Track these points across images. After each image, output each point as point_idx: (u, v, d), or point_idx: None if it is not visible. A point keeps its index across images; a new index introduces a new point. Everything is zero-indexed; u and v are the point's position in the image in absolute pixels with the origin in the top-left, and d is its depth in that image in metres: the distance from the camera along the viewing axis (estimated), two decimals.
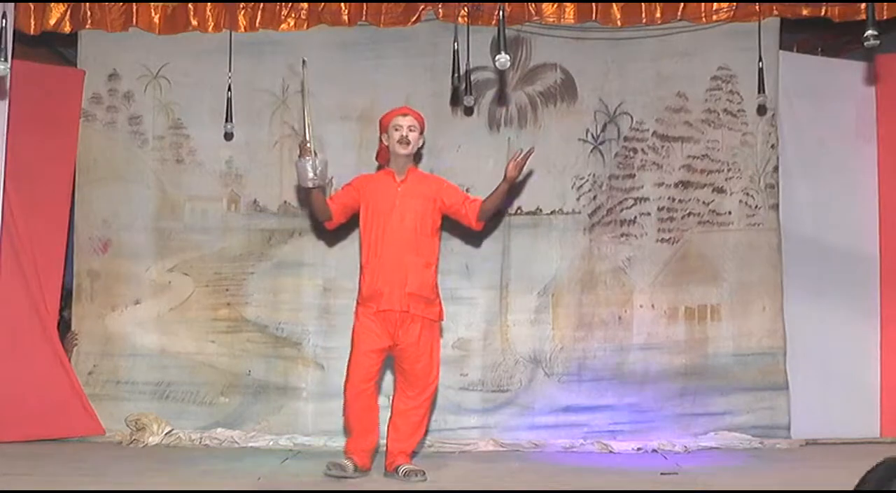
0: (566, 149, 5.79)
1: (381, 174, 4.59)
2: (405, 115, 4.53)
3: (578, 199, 5.78)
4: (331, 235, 5.75)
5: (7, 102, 5.12)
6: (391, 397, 4.59)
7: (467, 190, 5.63)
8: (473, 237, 5.74)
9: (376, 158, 4.72)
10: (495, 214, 4.86)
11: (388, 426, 4.51)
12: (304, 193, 4.80)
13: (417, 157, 4.83)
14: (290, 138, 5.84)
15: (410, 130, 4.47)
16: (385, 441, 4.52)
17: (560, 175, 5.76)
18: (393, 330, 4.37)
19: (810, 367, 5.65)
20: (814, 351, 5.69)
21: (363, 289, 4.42)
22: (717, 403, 5.63)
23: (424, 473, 4.35)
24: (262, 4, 5.79)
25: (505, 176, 4.39)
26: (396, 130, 4.46)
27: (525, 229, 5.72)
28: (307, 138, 4.28)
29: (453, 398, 5.63)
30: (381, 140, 4.58)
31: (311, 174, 4.22)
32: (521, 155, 4.35)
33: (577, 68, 5.82)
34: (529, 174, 5.30)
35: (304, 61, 4.59)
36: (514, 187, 4.65)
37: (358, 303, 4.45)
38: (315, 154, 4.26)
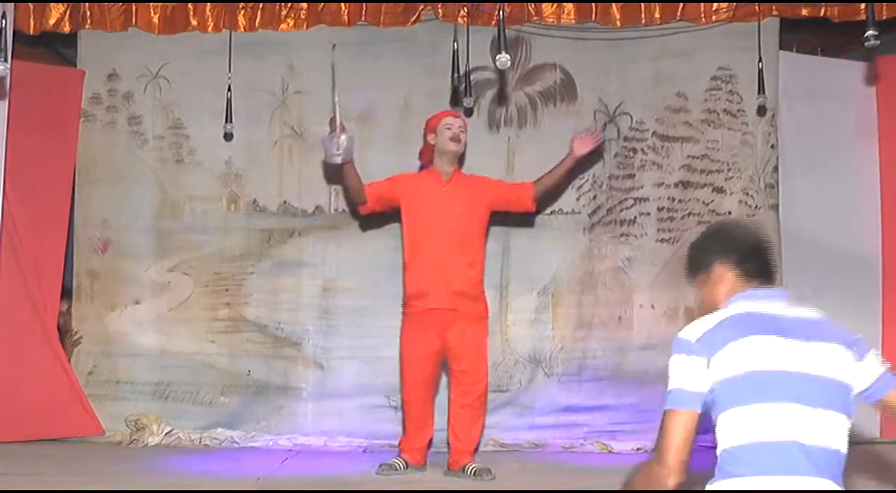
0: (566, 149, 5.73)
1: (425, 174, 4.62)
2: (456, 116, 4.63)
3: (578, 199, 5.78)
4: (330, 235, 5.77)
5: (7, 102, 5.12)
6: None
7: None
8: None
9: (419, 158, 4.74)
10: (553, 193, 4.92)
11: (448, 427, 4.54)
12: (335, 172, 4.80)
13: (461, 159, 4.82)
14: (290, 138, 5.84)
15: (461, 130, 4.56)
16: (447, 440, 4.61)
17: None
18: (441, 330, 4.38)
19: None
20: None
21: (408, 288, 4.45)
22: None
23: (491, 471, 4.38)
24: (261, 4, 5.79)
25: (570, 151, 4.46)
26: (448, 128, 4.51)
27: (525, 229, 5.72)
28: (335, 115, 4.29)
29: None
30: (426, 140, 4.59)
31: (335, 149, 4.24)
32: (591, 133, 4.45)
33: (576, 68, 5.82)
34: (599, 149, 5.03)
35: (333, 46, 4.62)
36: (577, 165, 4.68)
37: (403, 303, 4.49)
38: (343, 130, 4.26)
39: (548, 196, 4.83)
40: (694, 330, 2.28)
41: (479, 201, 4.54)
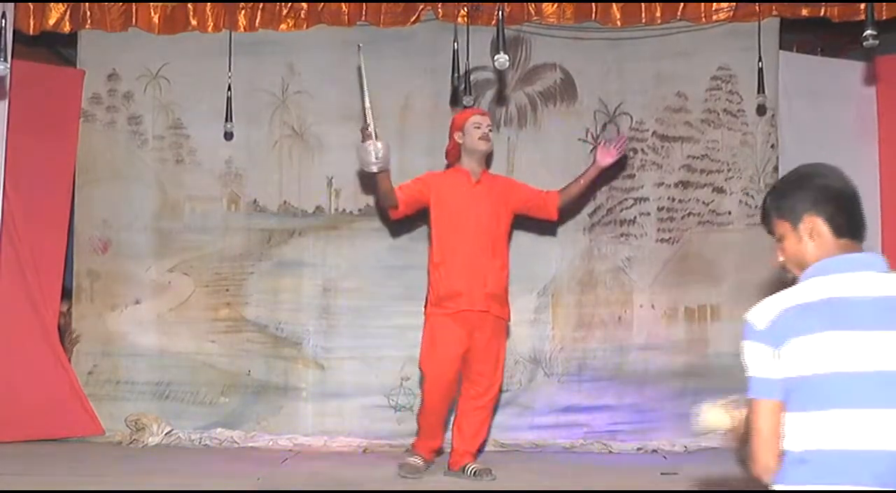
0: (566, 149, 5.78)
1: (453, 173, 4.57)
2: (484, 115, 4.60)
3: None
4: (330, 235, 5.77)
5: (7, 102, 5.13)
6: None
7: None
8: None
9: (446, 157, 4.71)
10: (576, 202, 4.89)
11: (453, 426, 4.54)
12: (368, 178, 4.78)
13: (488, 159, 4.80)
14: (290, 138, 5.84)
15: (489, 129, 4.52)
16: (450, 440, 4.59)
17: (560, 175, 5.74)
18: (470, 331, 4.34)
19: None
20: None
21: (439, 289, 4.39)
22: None
23: (491, 471, 4.38)
24: (261, 4, 5.79)
25: (594, 161, 4.46)
26: (477, 127, 4.46)
27: (525, 229, 5.71)
28: (368, 122, 4.24)
29: None
30: (452, 138, 4.54)
31: (373, 158, 4.19)
32: (615, 142, 4.42)
33: (576, 68, 5.82)
34: (624, 159, 5.07)
35: (359, 46, 4.51)
36: (602, 174, 4.67)
37: (431, 304, 4.42)
38: (376, 137, 4.22)
39: (570, 205, 4.79)
40: (762, 314, 2.09)
41: (507, 203, 4.52)
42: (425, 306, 4.52)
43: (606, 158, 4.52)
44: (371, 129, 4.22)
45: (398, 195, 4.41)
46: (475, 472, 4.37)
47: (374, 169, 4.24)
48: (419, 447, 4.58)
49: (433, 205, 4.47)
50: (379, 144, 4.19)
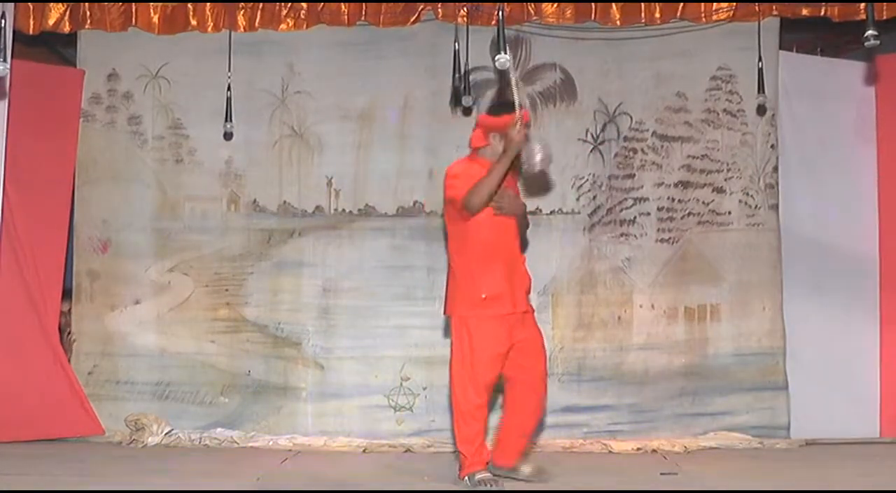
0: (566, 149, 5.77)
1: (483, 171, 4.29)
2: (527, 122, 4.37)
3: (578, 199, 5.78)
4: (330, 235, 5.77)
5: (7, 102, 5.12)
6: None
7: None
8: None
9: (470, 143, 4.46)
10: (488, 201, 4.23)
11: (512, 421, 4.32)
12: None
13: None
14: (290, 138, 5.84)
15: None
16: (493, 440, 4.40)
17: (560, 175, 5.75)
18: (511, 331, 4.21)
19: (810, 367, 5.65)
20: (814, 351, 5.69)
21: (483, 290, 4.18)
22: (717, 403, 5.63)
23: (546, 471, 4.30)
24: (261, 4, 5.79)
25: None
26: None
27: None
28: (523, 120, 4.05)
29: None
30: (486, 137, 4.29)
31: (540, 156, 4.02)
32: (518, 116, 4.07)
33: (576, 68, 5.82)
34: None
35: (506, 48, 4.10)
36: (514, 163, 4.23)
37: (471, 306, 4.20)
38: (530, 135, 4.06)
39: (480, 208, 4.28)
40: None
41: None
42: (451, 308, 4.29)
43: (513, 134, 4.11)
44: (522, 119, 4.02)
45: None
46: (532, 473, 4.29)
47: (541, 167, 4.07)
48: (476, 461, 4.19)
49: None
50: (541, 144, 4.05)
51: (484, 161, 4.21)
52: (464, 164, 4.32)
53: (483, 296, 4.18)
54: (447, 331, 5.63)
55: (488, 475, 4.17)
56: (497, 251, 4.22)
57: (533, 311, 4.39)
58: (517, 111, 4.06)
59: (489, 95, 5.79)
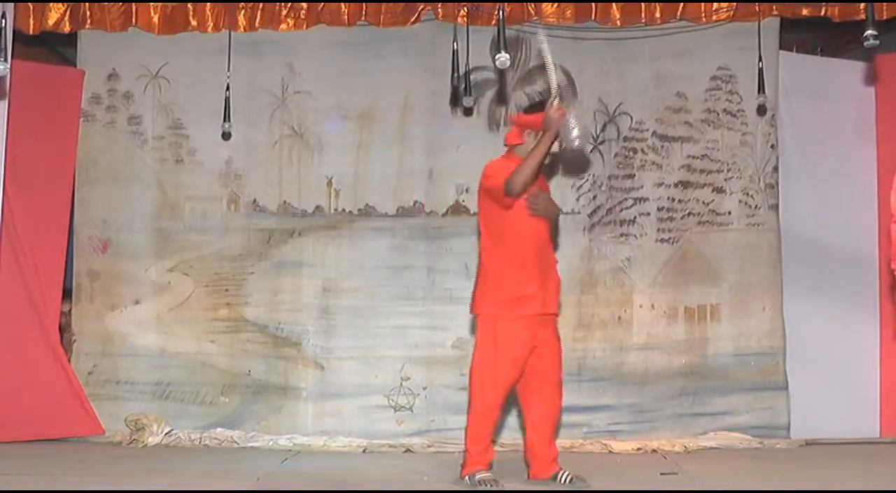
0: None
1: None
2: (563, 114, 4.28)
3: (578, 199, 5.79)
4: (330, 235, 5.77)
5: (7, 102, 5.12)
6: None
7: (466, 190, 5.69)
8: (473, 237, 5.73)
9: (506, 141, 4.47)
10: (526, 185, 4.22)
11: (533, 433, 4.31)
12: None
13: None
14: (290, 138, 5.85)
15: None
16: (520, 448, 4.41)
17: (560, 175, 5.75)
18: (533, 333, 4.17)
19: (810, 367, 5.65)
20: (814, 351, 5.69)
21: (513, 290, 4.14)
22: (717, 403, 5.64)
23: (584, 478, 4.22)
24: (261, 4, 5.79)
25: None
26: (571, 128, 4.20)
27: None
28: (560, 99, 4.06)
29: (453, 398, 5.62)
30: (521, 134, 4.30)
31: (576, 132, 4.00)
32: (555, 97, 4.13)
33: (576, 68, 5.82)
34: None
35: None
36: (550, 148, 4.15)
37: (500, 305, 4.17)
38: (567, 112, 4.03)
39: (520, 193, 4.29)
40: None
41: None
42: (479, 307, 4.24)
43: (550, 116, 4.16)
44: (558, 100, 4.04)
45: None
46: (570, 479, 4.19)
47: (577, 144, 4.06)
48: (479, 460, 4.17)
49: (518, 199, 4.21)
50: (574, 120, 4.01)
51: (520, 159, 4.19)
52: (501, 162, 4.30)
53: (510, 296, 4.14)
54: (447, 331, 5.70)
55: (489, 475, 4.15)
56: (532, 252, 4.19)
57: (558, 315, 4.35)
58: (554, 91, 4.06)
59: (489, 94, 5.80)
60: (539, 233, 4.24)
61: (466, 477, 4.17)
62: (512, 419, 5.56)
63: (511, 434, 5.49)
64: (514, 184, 4.06)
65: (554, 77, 4.11)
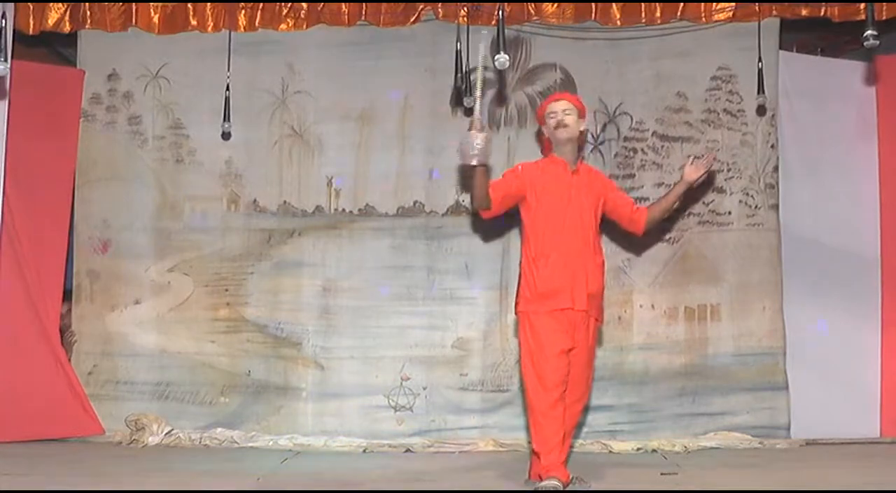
0: None
1: (549, 162, 4.29)
2: (557, 100, 4.30)
3: None
4: (330, 235, 5.77)
5: (7, 102, 5.13)
6: None
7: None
8: (473, 237, 5.75)
9: (542, 152, 4.55)
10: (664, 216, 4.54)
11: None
12: (467, 174, 4.43)
13: (580, 145, 4.54)
14: (290, 138, 5.85)
15: (566, 114, 4.22)
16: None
17: None
18: (571, 331, 4.09)
19: (810, 367, 5.65)
20: (814, 351, 5.69)
21: (538, 285, 4.09)
22: (717, 403, 5.63)
23: (585, 479, 4.17)
24: (261, 4, 5.79)
25: (681, 177, 4.31)
26: (551, 116, 4.23)
27: None
28: (478, 114, 4.00)
29: (453, 398, 5.64)
30: (542, 133, 4.35)
31: (474, 150, 3.90)
32: (702, 159, 4.27)
33: (576, 68, 5.82)
34: (711, 175, 4.92)
35: (483, 34, 4.28)
36: (689, 190, 4.45)
37: (529, 300, 4.12)
38: (481, 128, 3.94)
39: (657, 221, 4.52)
40: None
41: (601, 198, 4.32)
42: (517, 304, 4.20)
43: (693, 173, 4.31)
44: (478, 118, 3.96)
45: (491, 194, 4.13)
46: (575, 478, 4.12)
47: (473, 162, 3.94)
48: (548, 465, 3.97)
49: (531, 198, 4.19)
50: (480, 136, 3.90)
51: (552, 156, 4.28)
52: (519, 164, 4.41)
53: (537, 290, 4.09)
54: (447, 331, 5.72)
55: (559, 483, 3.92)
56: (554, 244, 4.12)
57: (598, 320, 4.29)
58: (477, 105, 4.02)
59: (489, 94, 5.80)
60: (572, 224, 4.15)
61: (538, 483, 3.98)
62: (512, 419, 5.58)
63: (511, 434, 5.51)
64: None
65: (478, 89, 4.02)
